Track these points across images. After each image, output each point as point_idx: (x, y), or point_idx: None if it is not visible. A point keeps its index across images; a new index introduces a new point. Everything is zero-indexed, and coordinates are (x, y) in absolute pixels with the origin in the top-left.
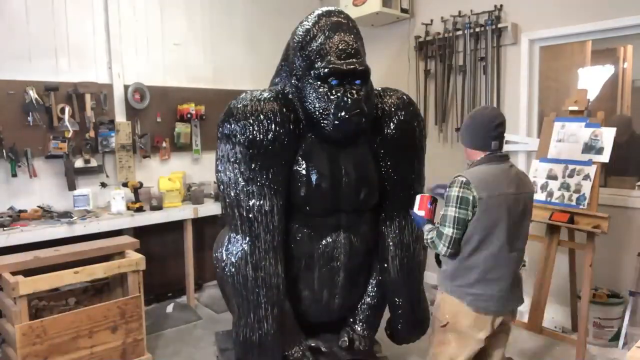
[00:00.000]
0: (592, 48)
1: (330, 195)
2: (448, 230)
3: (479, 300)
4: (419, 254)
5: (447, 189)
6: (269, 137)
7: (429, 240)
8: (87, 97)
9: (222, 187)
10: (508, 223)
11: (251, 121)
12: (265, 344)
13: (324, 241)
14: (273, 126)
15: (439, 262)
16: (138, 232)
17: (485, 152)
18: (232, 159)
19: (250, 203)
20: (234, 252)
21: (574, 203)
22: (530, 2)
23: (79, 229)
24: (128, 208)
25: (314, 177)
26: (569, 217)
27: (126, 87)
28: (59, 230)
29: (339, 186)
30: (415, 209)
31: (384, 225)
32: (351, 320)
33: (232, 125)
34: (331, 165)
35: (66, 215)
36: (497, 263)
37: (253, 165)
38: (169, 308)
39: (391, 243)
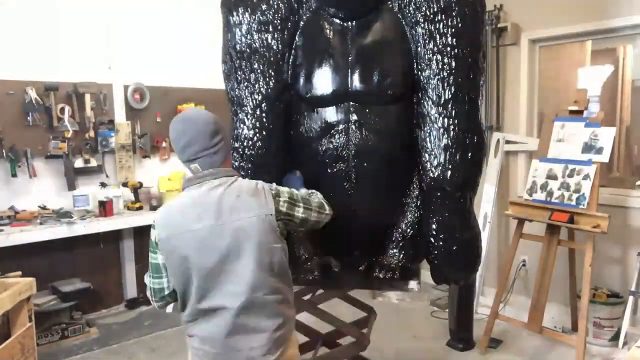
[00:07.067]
0: (592, 48)
1: (331, 77)
2: (150, 281)
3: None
4: (464, 164)
5: None
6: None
7: None
8: (87, 97)
9: None
10: (198, 267)
11: None
12: None
13: (328, 138)
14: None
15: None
16: (138, 232)
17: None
18: None
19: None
20: None
21: (573, 203)
22: (530, 2)
23: (79, 229)
24: (128, 208)
25: (311, 56)
26: (569, 217)
27: (126, 87)
28: (59, 231)
29: (343, 66)
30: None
31: (416, 127)
32: (387, 243)
33: None
34: (333, 41)
35: (66, 215)
36: (199, 317)
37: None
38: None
39: (424, 148)
